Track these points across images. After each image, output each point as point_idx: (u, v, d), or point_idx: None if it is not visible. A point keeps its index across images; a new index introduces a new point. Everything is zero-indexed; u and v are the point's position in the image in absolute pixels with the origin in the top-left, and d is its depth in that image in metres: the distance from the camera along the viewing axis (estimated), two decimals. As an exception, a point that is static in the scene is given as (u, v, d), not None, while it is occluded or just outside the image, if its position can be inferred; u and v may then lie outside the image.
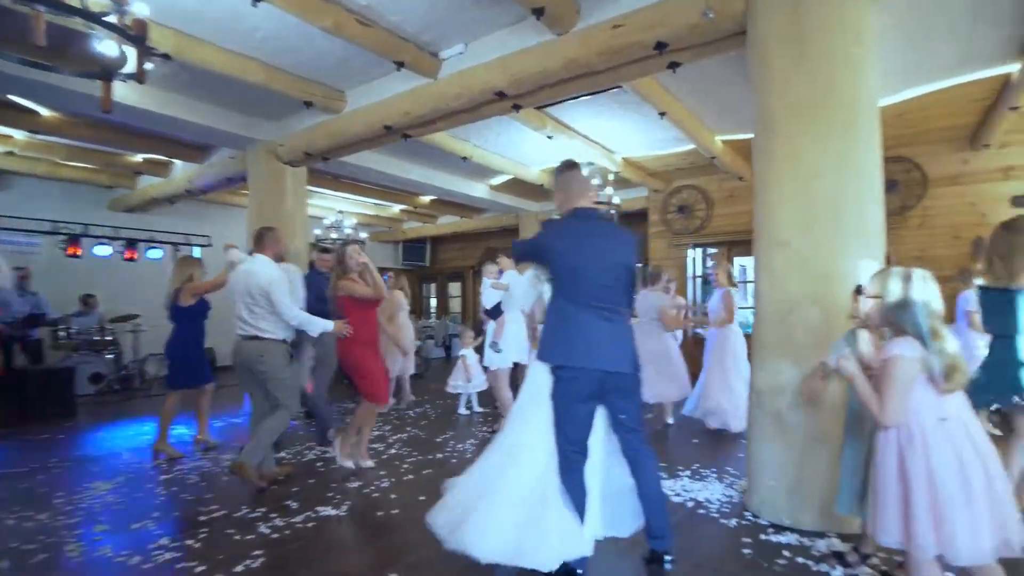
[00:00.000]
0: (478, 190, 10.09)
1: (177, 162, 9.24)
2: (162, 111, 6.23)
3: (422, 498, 4.00)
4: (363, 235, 12.18)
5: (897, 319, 2.08)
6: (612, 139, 7.61)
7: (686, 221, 9.98)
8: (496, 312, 5.61)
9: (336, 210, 11.44)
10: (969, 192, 7.60)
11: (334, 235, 10.83)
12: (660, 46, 4.21)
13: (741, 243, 9.51)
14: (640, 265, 6.02)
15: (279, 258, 4.58)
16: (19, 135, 7.75)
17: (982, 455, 1.99)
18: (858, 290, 2.70)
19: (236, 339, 4.37)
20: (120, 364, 9.37)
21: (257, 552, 3.28)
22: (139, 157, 9.07)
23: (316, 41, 5.22)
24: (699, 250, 10.16)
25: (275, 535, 3.55)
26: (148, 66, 3.46)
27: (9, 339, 8.09)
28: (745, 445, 4.06)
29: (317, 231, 10.42)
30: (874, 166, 3.48)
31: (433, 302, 16.53)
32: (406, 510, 3.89)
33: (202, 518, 3.83)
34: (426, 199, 11.60)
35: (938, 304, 2.08)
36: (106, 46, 3.27)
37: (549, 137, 6.71)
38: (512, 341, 5.64)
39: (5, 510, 3.97)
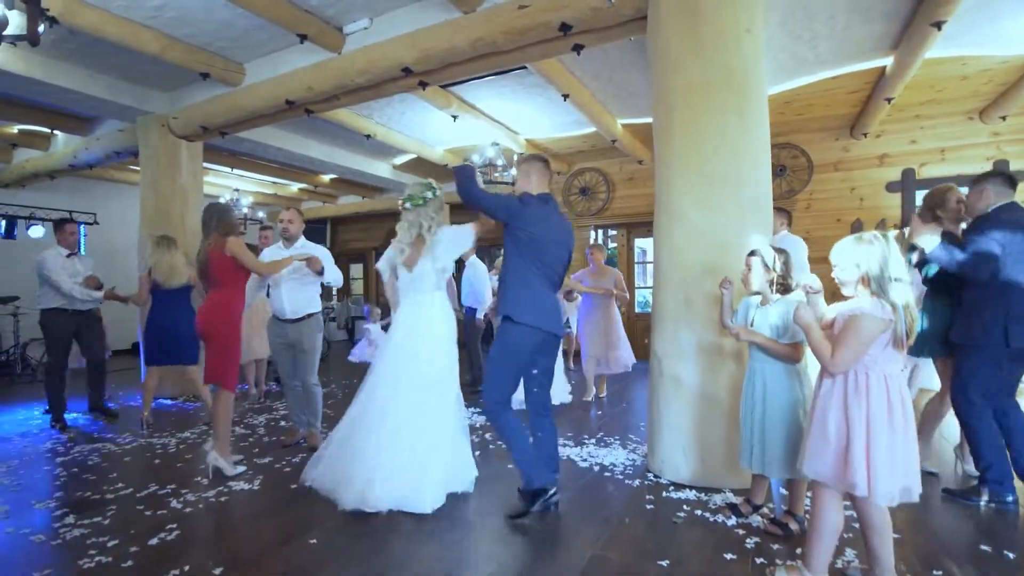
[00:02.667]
0: (381, 169, 9.52)
1: (59, 134, 8.14)
2: (47, 79, 5.48)
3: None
4: (260, 214, 11.25)
5: (874, 284, 2.04)
6: (516, 120, 7.35)
7: (588, 203, 9.85)
8: None
9: (232, 188, 10.48)
10: (850, 178, 7.87)
11: (232, 214, 9.96)
12: (564, 28, 4.02)
13: (641, 224, 9.58)
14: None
15: None
16: None
17: (904, 405, 2.03)
18: (749, 257, 2.77)
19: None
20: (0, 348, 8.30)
21: (171, 526, 2.96)
22: (15, 128, 7.92)
23: (217, 12, 4.68)
24: (600, 231, 10.07)
25: (188, 509, 3.21)
26: (41, 27, 2.97)
27: None
28: (646, 415, 4.05)
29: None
30: (765, 148, 3.51)
31: None
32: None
33: (109, 496, 3.44)
34: (327, 178, 10.82)
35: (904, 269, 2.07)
36: None
37: (454, 117, 6.35)
38: None
39: None
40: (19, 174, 8.83)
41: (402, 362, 3.31)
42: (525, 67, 5.10)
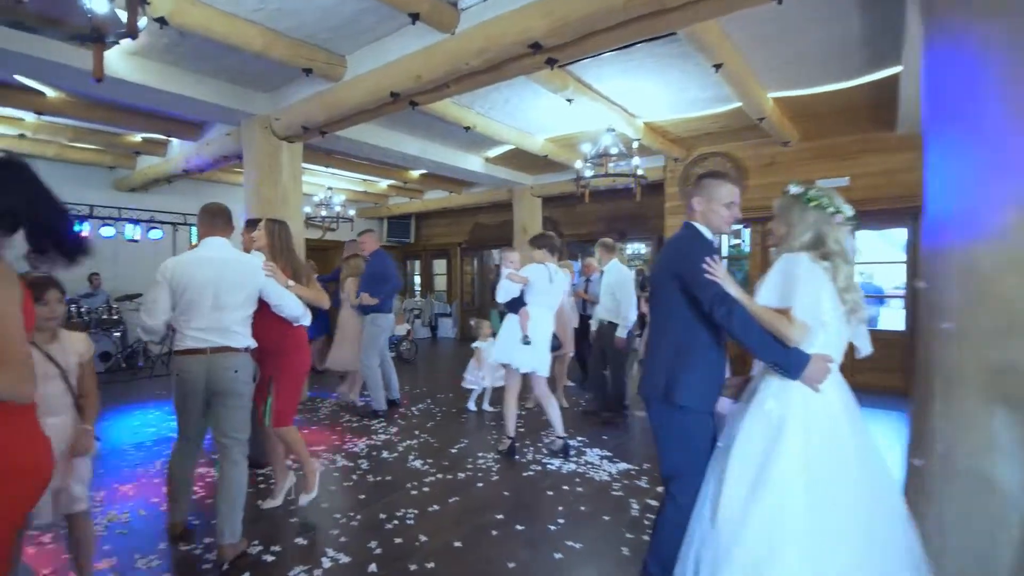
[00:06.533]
0: (473, 163, 8.55)
1: (174, 140, 7.80)
2: (161, 87, 5.11)
3: (457, 544, 2.88)
4: (351, 212, 10.61)
5: None
6: (637, 101, 5.91)
7: (712, 195, 8.17)
8: (516, 305, 4.35)
9: (326, 187, 9.90)
10: None
11: (324, 213, 9.42)
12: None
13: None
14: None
15: None
16: (29, 117, 6.73)
17: None
18: None
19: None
20: (126, 343, 8.33)
21: None
22: (138, 137, 7.69)
23: (319, -1, 3.88)
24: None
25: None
26: (142, 22, 2.54)
27: None
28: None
29: (307, 209, 8.84)
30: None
31: (417, 279, 14.10)
32: (443, 561, 2.72)
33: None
34: (416, 173, 10.00)
35: None
36: (97, 3, 2.47)
37: (569, 100, 5.31)
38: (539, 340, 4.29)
39: None
40: (142, 180, 8.72)
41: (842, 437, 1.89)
42: (674, 33, 3.96)
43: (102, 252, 8.34)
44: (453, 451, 4.47)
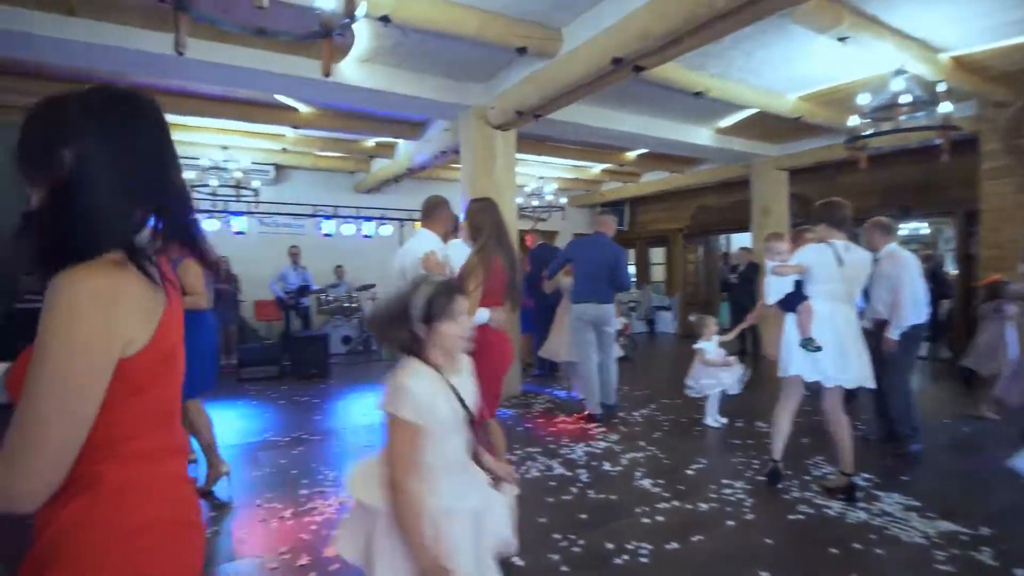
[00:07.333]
0: (701, 136, 7.46)
1: (400, 142, 8.38)
2: (387, 88, 5.38)
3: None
4: (562, 201, 10.27)
5: None
6: (940, 31, 4.49)
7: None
8: (794, 300, 3.41)
9: (537, 176, 9.73)
10: None
11: (535, 203, 9.24)
12: None
13: None
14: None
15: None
16: (288, 132, 7.81)
17: None
18: None
19: None
20: (363, 328, 9.25)
21: None
22: (371, 141, 8.52)
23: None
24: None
25: None
26: (360, 9, 2.58)
27: (287, 307, 8.82)
28: None
29: (518, 200, 8.73)
30: None
31: (632, 270, 12.59)
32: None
33: None
34: (632, 154, 9.22)
35: None
36: (324, 1, 2.59)
37: (842, 40, 4.08)
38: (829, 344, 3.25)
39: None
40: (374, 181, 9.63)
41: None
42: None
43: (344, 247, 9.68)
44: (690, 472, 3.75)
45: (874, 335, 4.23)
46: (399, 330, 1.54)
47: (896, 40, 4.23)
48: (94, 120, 0.87)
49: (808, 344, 3.16)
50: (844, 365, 3.17)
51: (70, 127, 0.86)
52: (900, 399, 4.05)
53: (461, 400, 1.54)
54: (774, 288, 3.40)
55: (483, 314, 2.81)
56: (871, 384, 3.25)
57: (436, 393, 1.49)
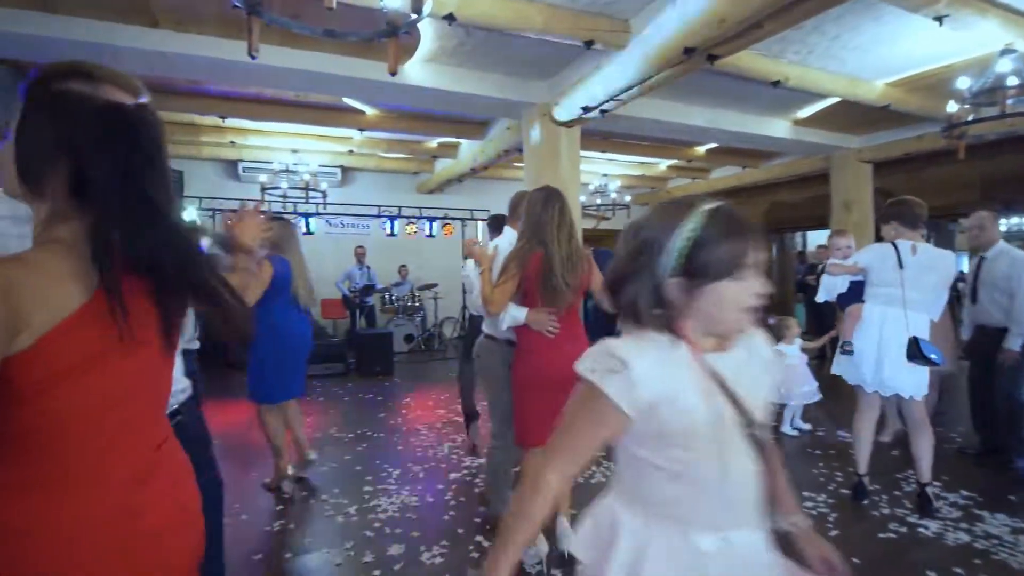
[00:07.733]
0: (777, 128, 7.08)
1: (463, 142, 8.42)
2: (450, 88, 5.37)
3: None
4: (627, 199, 10.05)
5: None
6: None
7: None
8: (847, 301, 3.23)
9: (601, 174, 9.55)
10: None
11: (599, 201, 9.08)
12: None
13: None
14: None
15: None
16: (355, 135, 7.89)
17: None
18: None
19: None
20: (425, 326, 9.48)
21: None
22: (434, 142, 8.60)
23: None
24: None
25: None
26: (426, 6, 2.59)
27: (353, 306, 9.03)
28: None
29: (582, 198, 8.59)
30: None
31: None
32: None
33: None
34: (702, 149, 8.92)
35: None
36: (391, 1, 2.64)
37: (937, 19, 3.73)
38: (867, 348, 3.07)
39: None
40: (437, 181, 9.71)
41: None
42: None
43: (407, 247, 9.90)
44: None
45: (979, 341, 3.91)
46: (641, 288, 0.98)
47: (1002, 16, 3.81)
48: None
49: (844, 347, 3.11)
50: (888, 372, 2.98)
51: None
52: (1015, 411, 3.69)
53: (733, 397, 0.98)
54: (826, 286, 3.32)
55: (519, 312, 2.55)
56: (919, 395, 2.99)
57: (683, 380, 0.95)
